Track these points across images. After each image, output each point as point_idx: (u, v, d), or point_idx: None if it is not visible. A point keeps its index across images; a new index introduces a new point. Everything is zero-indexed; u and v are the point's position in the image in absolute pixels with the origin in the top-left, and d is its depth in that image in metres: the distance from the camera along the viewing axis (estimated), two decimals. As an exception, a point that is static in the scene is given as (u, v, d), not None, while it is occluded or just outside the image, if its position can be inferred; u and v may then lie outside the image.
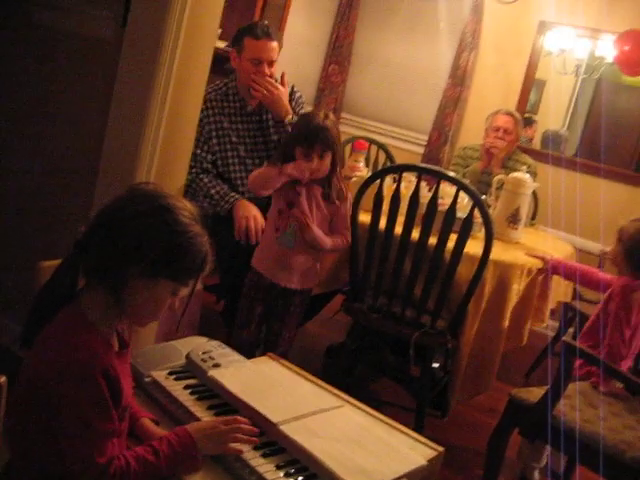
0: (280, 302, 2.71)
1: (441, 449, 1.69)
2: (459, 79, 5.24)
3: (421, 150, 5.43)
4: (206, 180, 3.14)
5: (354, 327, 3.20)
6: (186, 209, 1.39)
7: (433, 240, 2.72)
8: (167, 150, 2.62)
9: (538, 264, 3.03)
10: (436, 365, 3.43)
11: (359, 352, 3.21)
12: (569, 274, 3.08)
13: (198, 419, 1.52)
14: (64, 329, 1.34)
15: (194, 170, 3.12)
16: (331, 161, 2.56)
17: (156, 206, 1.36)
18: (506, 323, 2.93)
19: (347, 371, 3.12)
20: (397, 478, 1.43)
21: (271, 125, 3.29)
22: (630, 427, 2.34)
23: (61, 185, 2.82)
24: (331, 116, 2.59)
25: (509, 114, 4.28)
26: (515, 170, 3.65)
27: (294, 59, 5.29)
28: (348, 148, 4.40)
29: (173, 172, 2.74)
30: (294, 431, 1.48)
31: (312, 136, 2.50)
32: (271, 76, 3.16)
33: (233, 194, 3.10)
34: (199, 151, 3.17)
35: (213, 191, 3.11)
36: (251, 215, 2.98)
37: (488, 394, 3.41)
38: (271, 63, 3.17)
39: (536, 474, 2.94)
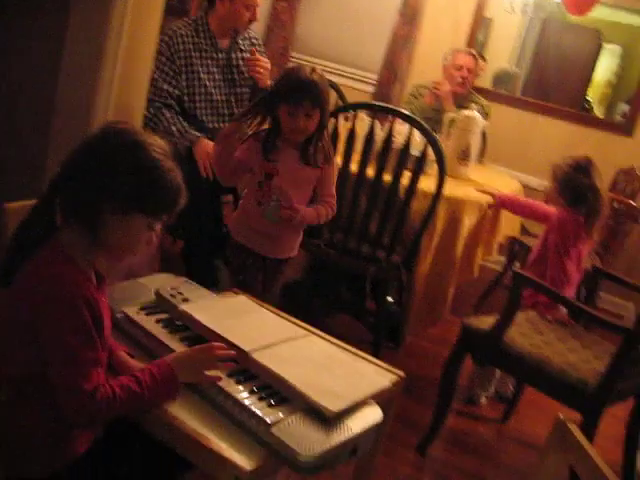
0: (269, 271, 2.56)
1: (402, 374, 1.80)
2: (409, 18, 5.24)
3: (371, 89, 5.46)
4: (168, 115, 3.16)
5: (311, 263, 3.29)
6: (158, 145, 1.42)
7: (388, 177, 2.79)
8: (124, 87, 2.61)
9: (488, 199, 3.14)
10: (390, 299, 3.54)
11: (315, 288, 3.31)
12: (516, 208, 3.21)
13: (172, 350, 1.58)
14: (45, 263, 1.37)
15: (157, 104, 3.14)
16: (318, 120, 2.31)
17: (128, 142, 1.39)
18: (458, 256, 3.05)
19: (304, 307, 3.21)
20: (363, 399, 1.53)
21: (241, 64, 3.40)
22: (574, 350, 2.49)
23: (16, 125, 2.79)
24: (318, 70, 2.35)
25: (470, 53, 4.38)
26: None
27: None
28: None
29: (131, 109, 2.73)
30: (265, 358, 1.56)
31: (299, 91, 2.26)
32: (255, 18, 3.35)
33: (194, 132, 3.13)
34: (166, 86, 3.19)
35: (174, 128, 3.13)
36: (207, 158, 3.02)
37: (440, 326, 3.56)
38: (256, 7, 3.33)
39: (483, 399, 3.11)
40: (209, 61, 3.34)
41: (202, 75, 3.32)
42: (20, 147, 2.76)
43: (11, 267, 1.40)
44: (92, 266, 1.45)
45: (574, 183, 2.76)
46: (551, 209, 3.12)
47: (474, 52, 4.43)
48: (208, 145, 3.06)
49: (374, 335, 3.07)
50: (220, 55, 3.38)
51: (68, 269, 1.37)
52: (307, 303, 3.23)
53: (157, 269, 3.11)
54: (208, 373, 1.49)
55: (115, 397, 1.36)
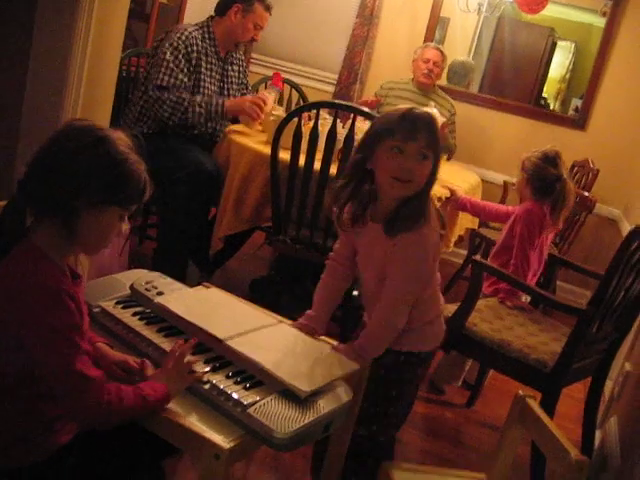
0: None
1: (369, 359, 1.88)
2: (367, 18, 5.35)
3: (332, 89, 5.55)
4: (186, 95, 3.42)
5: (278, 260, 3.37)
6: (122, 139, 1.47)
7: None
8: (92, 87, 2.66)
9: (446, 193, 3.24)
10: (356, 293, 3.63)
11: (283, 284, 3.38)
12: (479, 213, 3.33)
13: (149, 341, 1.65)
14: (23, 262, 1.40)
15: (172, 85, 3.39)
16: (430, 172, 1.77)
17: (95, 138, 1.43)
18: (420, 249, 3.13)
19: (273, 303, 3.28)
20: (335, 379, 1.62)
21: (231, 76, 3.76)
22: (533, 334, 2.61)
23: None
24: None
25: (437, 49, 4.62)
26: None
27: None
28: (262, 88, 4.51)
29: (98, 108, 2.78)
30: (239, 345, 1.63)
31: (413, 122, 1.73)
32: (257, 39, 3.74)
33: (215, 97, 3.50)
34: (181, 75, 3.43)
35: (199, 98, 3.45)
36: (245, 105, 3.48)
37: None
38: None
39: (445, 388, 3.22)
40: (212, 66, 3.59)
41: (205, 78, 3.56)
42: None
43: None
44: (65, 263, 1.49)
45: (543, 174, 2.89)
46: (508, 207, 3.26)
47: (442, 48, 4.61)
48: (236, 101, 3.52)
49: (341, 327, 3.15)
50: (219, 63, 3.64)
51: (45, 266, 1.40)
52: (275, 299, 3.30)
53: (126, 268, 3.17)
54: (193, 376, 1.54)
55: (121, 394, 1.41)
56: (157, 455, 1.68)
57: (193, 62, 3.49)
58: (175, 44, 3.42)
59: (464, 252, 4.64)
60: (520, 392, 1.77)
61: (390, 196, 1.79)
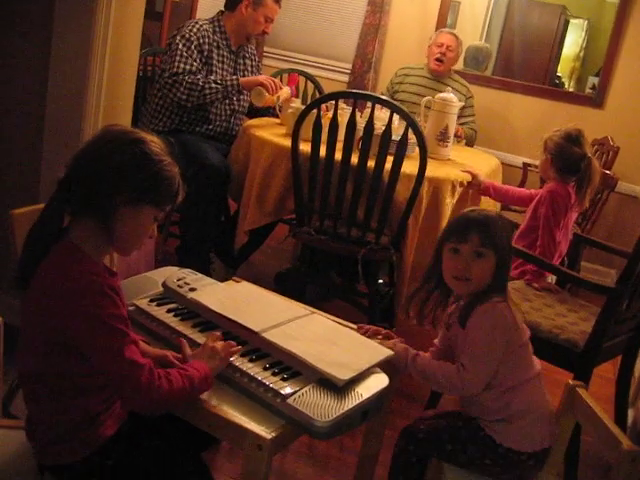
0: None
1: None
2: (378, 6, 5.34)
3: (346, 78, 5.55)
4: (200, 77, 3.47)
5: (302, 251, 3.38)
6: (156, 142, 1.52)
7: (371, 163, 2.88)
8: (112, 91, 2.69)
9: (467, 178, 3.24)
10: (381, 281, 3.64)
11: (308, 275, 3.39)
12: (498, 195, 3.31)
13: (185, 336, 1.68)
14: (63, 262, 1.44)
15: (182, 70, 3.43)
16: (493, 267, 1.81)
17: (131, 140, 1.48)
18: (443, 234, 3.14)
19: (298, 294, 3.30)
20: (370, 366, 1.63)
21: (243, 70, 3.78)
22: (561, 315, 2.61)
23: (8, 133, 2.84)
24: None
25: (451, 33, 4.60)
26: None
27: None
28: (278, 80, 4.52)
29: (119, 111, 2.81)
30: (275, 336, 1.65)
31: (465, 225, 1.84)
32: (268, 31, 3.77)
33: (229, 77, 3.56)
34: (196, 64, 3.49)
35: (212, 79, 3.49)
36: (260, 78, 3.58)
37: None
38: None
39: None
40: (224, 59, 3.64)
41: (217, 70, 3.61)
42: (14, 154, 2.82)
43: (27, 270, 1.47)
44: (103, 262, 1.53)
45: (566, 154, 2.87)
46: (530, 190, 3.25)
47: (456, 33, 4.60)
48: (249, 79, 3.58)
49: (368, 316, 3.16)
50: (231, 56, 3.67)
51: (86, 262, 1.45)
52: (300, 290, 3.32)
53: (153, 266, 3.19)
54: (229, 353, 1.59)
55: (170, 377, 1.45)
56: (196, 448, 1.72)
57: (205, 53, 3.54)
58: (187, 35, 3.47)
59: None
60: (570, 382, 1.79)
61: (458, 294, 1.89)
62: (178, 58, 3.43)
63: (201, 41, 3.50)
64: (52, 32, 2.59)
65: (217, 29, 3.62)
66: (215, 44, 3.59)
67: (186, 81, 3.39)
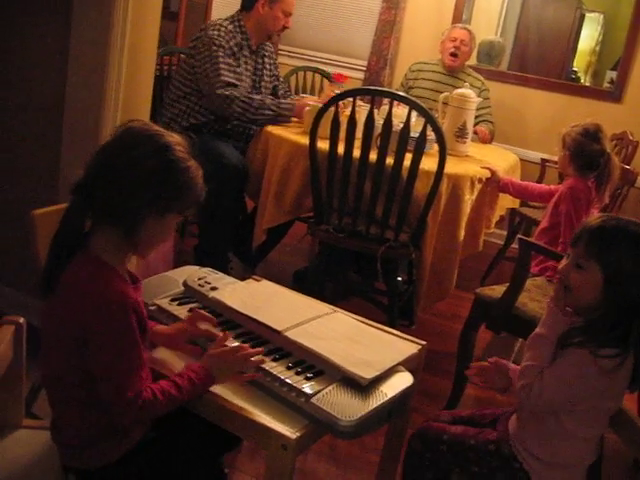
0: None
1: (423, 342, 1.88)
2: (393, 2, 5.32)
3: (362, 75, 5.54)
4: (256, 96, 3.49)
5: (321, 249, 3.37)
6: (180, 144, 1.47)
7: (389, 160, 2.87)
8: (130, 90, 2.68)
9: (486, 174, 3.21)
10: (399, 278, 3.63)
11: (326, 273, 3.38)
12: (517, 192, 3.29)
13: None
14: (86, 275, 1.41)
15: (233, 90, 3.41)
16: (600, 283, 1.61)
17: (158, 146, 1.43)
18: (462, 232, 3.12)
19: (316, 292, 3.29)
20: (395, 365, 1.62)
21: (262, 69, 3.77)
22: (584, 311, 2.58)
23: (28, 133, 2.85)
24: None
25: (465, 28, 4.59)
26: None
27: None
28: (294, 79, 4.52)
29: (138, 109, 2.81)
30: (297, 335, 1.64)
31: (581, 230, 1.67)
32: (288, 26, 3.73)
33: (285, 101, 3.56)
34: (232, 75, 3.48)
35: (268, 100, 3.49)
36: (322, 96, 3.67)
37: (449, 301, 3.65)
38: None
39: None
40: (247, 59, 3.63)
41: (242, 71, 3.61)
42: (33, 154, 2.82)
43: (51, 278, 1.43)
44: (125, 267, 1.51)
45: (585, 150, 2.84)
46: (550, 186, 3.22)
47: (470, 28, 4.57)
48: (301, 102, 3.53)
49: (387, 314, 3.14)
50: (252, 56, 3.67)
51: (110, 277, 1.42)
52: (319, 288, 3.31)
53: (172, 265, 3.20)
54: (242, 376, 1.56)
55: (156, 401, 1.43)
56: (219, 450, 1.72)
57: (228, 52, 3.52)
58: (218, 42, 3.45)
59: (503, 232, 4.61)
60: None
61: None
62: (222, 66, 3.42)
63: (230, 43, 3.50)
64: (70, 32, 2.59)
65: (238, 29, 3.60)
66: (238, 45, 3.58)
67: (240, 99, 3.37)
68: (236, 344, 1.61)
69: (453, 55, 4.51)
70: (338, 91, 3.61)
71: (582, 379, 1.60)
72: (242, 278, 2.08)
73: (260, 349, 1.60)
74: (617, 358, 1.56)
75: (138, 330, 1.43)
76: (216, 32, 3.47)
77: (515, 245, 3.49)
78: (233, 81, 3.42)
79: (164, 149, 1.43)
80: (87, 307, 1.38)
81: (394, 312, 3.15)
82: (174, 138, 1.48)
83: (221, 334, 1.63)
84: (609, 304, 1.59)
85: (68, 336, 1.40)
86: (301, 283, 3.73)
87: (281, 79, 3.97)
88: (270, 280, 2.05)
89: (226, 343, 1.62)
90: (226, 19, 3.60)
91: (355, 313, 1.94)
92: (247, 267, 3.67)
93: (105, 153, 1.46)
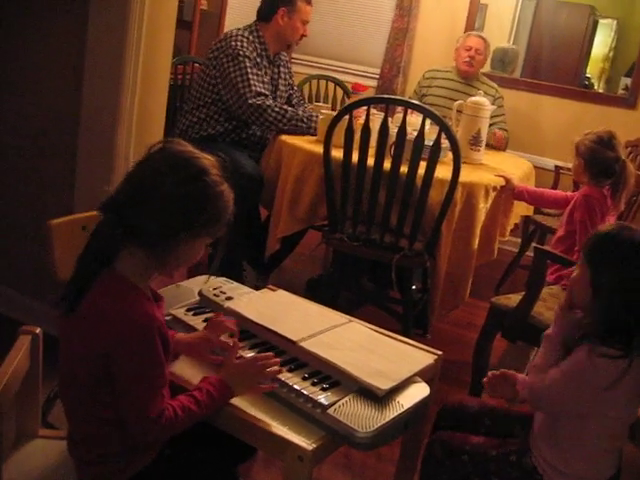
0: None
1: (440, 352, 1.88)
2: (405, 10, 5.32)
3: (375, 83, 5.54)
4: (288, 107, 3.50)
5: (334, 258, 3.37)
6: (215, 167, 1.47)
7: (403, 169, 2.86)
8: (146, 96, 2.69)
9: (501, 182, 3.20)
10: (414, 287, 3.61)
11: (339, 282, 3.37)
12: (532, 199, 3.27)
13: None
14: (113, 295, 1.40)
15: (266, 100, 3.44)
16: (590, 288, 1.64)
17: (194, 172, 1.42)
18: (476, 240, 3.11)
19: (330, 301, 3.28)
20: (410, 376, 1.61)
21: (279, 78, 3.77)
22: (600, 320, 2.56)
23: (43, 142, 2.86)
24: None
25: (480, 36, 4.55)
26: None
27: (241, 1, 5.31)
28: (307, 87, 4.52)
29: (153, 116, 2.82)
30: (313, 346, 1.64)
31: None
32: (307, 34, 3.73)
33: (314, 113, 3.52)
34: (261, 85, 3.49)
35: (301, 113, 3.49)
36: None
37: (463, 309, 3.64)
38: None
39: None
40: (265, 70, 3.63)
41: (263, 80, 3.58)
42: (49, 164, 2.83)
43: (76, 297, 1.42)
44: (149, 285, 1.50)
45: (600, 158, 2.82)
46: (566, 193, 3.20)
47: (484, 36, 4.55)
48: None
49: (402, 323, 3.13)
50: (270, 65, 3.67)
51: (138, 301, 1.41)
52: (333, 297, 3.30)
53: (186, 275, 3.20)
54: (261, 387, 1.55)
55: (177, 418, 1.43)
56: (234, 461, 1.71)
57: (258, 66, 3.55)
58: (243, 52, 3.47)
59: (517, 240, 4.59)
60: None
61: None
62: (251, 77, 3.44)
63: (254, 54, 3.52)
64: (86, 40, 2.60)
65: (256, 40, 3.61)
66: (258, 54, 3.59)
67: (273, 109, 3.40)
68: (252, 355, 1.61)
69: (468, 64, 4.49)
70: None
71: (579, 374, 1.60)
72: (255, 287, 2.08)
73: (277, 359, 1.60)
74: (619, 361, 1.55)
75: (162, 350, 1.43)
76: (239, 43, 3.48)
77: (529, 253, 3.49)
78: (263, 90, 3.45)
79: (200, 174, 1.42)
80: (113, 328, 1.37)
81: (409, 321, 3.14)
82: (209, 161, 1.47)
83: (234, 341, 1.63)
84: (597, 308, 1.61)
85: (91, 354, 1.39)
86: (314, 291, 3.73)
87: (295, 87, 3.97)
88: (283, 289, 2.05)
89: (242, 354, 1.62)
90: (245, 29, 3.61)
91: (369, 322, 1.94)
92: (260, 276, 3.67)
93: (139, 175, 1.44)
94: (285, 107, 3.46)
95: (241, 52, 3.45)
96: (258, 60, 3.55)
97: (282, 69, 3.80)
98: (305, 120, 3.44)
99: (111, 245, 1.42)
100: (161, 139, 1.50)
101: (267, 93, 3.47)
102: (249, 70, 3.44)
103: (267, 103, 3.40)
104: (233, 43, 3.48)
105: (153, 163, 1.43)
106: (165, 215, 1.39)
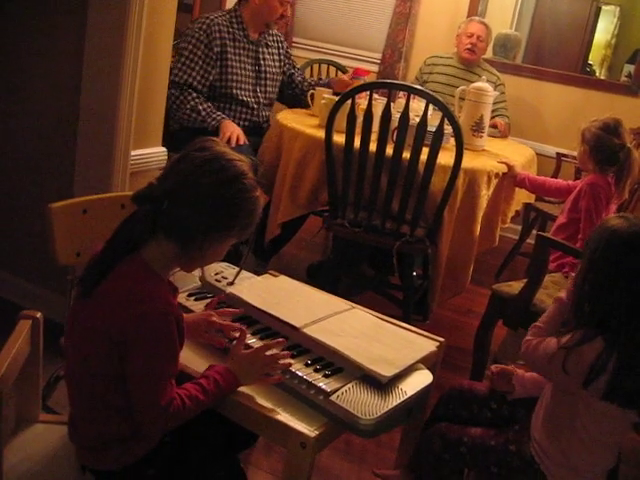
0: None
1: (442, 339, 1.87)
2: (408, -6, 5.28)
3: (376, 68, 5.50)
4: (195, 95, 3.43)
5: (335, 244, 3.35)
6: (250, 170, 1.47)
7: (406, 154, 2.84)
8: (146, 83, 2.68)
9: (503, 169, 3.18)
10: (414, 273, 3.60)
11: (340, 268, 3.36)
12: (534, 187, 3.25)
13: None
14: (134, 281, 1.40)
15: (183, 82, 3.41)
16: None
17: (234, 175, 1.43)
18: (478, 226, 3.10)
19: (331, 287, 3.27)
20: (414, 363, 1.60)
21: (268, 59, 3.72)
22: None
23: (42, 135, 2.84)
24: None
25: (482, 22, 4.50)
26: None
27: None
28: (308, 71, 4.49)
29: (153, 104, 2.81)
30: (316, 332, 1.63)
31: None
32: (287, 14, 3.69)
33: (219, 113, 3.43)
34: (197, 69, 3.45)
35: (201, 107, 3.41)
36: (235, 130, 3.33)
37: (464, 296, 3.63)
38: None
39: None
40: (241, 51, 3.57)
41: (234, 64, 3.55)
42: (49, 150, 2.82)
43: (95, 280, 1.41)
44: (169, 277, 1.50)
45: (605, 144, 2.80)
46: (568, 182, 3.18)
47: (486, 22, 4.51)
48: (232, 125, 3.38)
49: (402, 309, 3.12)
50: (251, 47, 3.61)
51: (158, 288, 1.42)
52: (333, 283, 3.29)
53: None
54: (269, 379, 1.54)
55: (184, 407, 1.42)
56: (235, 449, 1.70)
57: (216, 49, 3.47)
58: (197, 35, 3.44)
59: (518, 227, 4.58)
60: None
61: None
62: (179, 65, 3.41)
63: (211, 37, 3.44)
64: (85, 24, 2.57)
65: (234, 20, 3.55)
66: (230, 37, 3.52)
67: (181, 86, 3.38)
68: (261, 344, 1.59)
69: (469, 51, 4.44)
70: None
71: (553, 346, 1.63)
72: (254, 272, 2.07)
73: (288, 352, 1.58)
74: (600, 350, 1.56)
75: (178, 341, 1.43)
76: (198, 26, 3.46)
77: (530, 240, 3.47)
78: (185, 82, 3.41)
79: (238, 177, 1.44)
80: (133, 310, 1.36)
81: (409, 307, 3.13)
82: (246, 164, 1.48)
83: (241, 328, 1.62)
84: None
85: (106, 338, 1.38)
86: (314, 277, 3.71)
87: (297, 67, 3.94)
88: (283, 274, 2.03)
89: (250, 343, 1.61)
90: (225, 12, 3.60)
91: (369, 307, 1.93)
92: (259, 261, 3.66)
93: (179, 172, 1.44)
94: (190, 96, 3.41)
95: (195, 34, 3.43)
96: (227, 41, 3.50)
97: (271, 50, 3.75)
98: (203, 113, 3.40)
99: (143, 235, 1.42)
100: (201, 138, 1.49)
101: (189, 84, 3.42)
102: (184, 55, 3.42)
103: (181, 97, 3.38)
104: (194, 25, 3.49)
105: (193, 160, 1.43)
106: (200, 214, 1.41)
